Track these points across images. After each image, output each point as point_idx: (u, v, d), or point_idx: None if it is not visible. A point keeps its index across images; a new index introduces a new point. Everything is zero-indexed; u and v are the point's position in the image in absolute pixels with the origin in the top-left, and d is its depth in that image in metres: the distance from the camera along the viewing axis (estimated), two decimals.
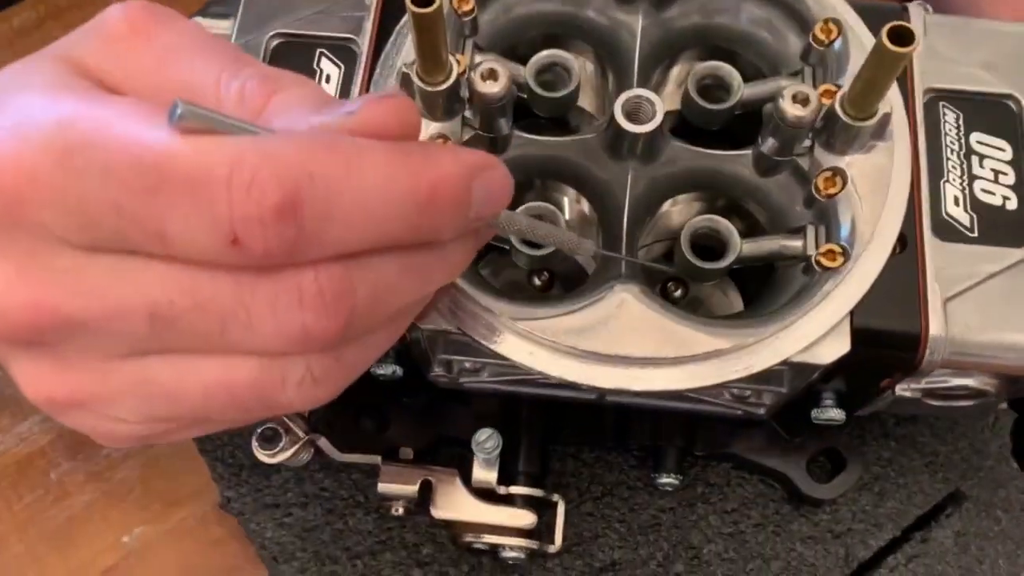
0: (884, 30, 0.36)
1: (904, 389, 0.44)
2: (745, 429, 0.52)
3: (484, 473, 0.49)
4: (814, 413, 0.47)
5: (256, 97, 0.31)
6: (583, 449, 0.55)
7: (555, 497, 0.51)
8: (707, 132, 0.46)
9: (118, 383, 0.32)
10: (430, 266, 0.33)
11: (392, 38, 0.45)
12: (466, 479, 0.50)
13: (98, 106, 0.29)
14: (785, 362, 0.40)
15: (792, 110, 0.40)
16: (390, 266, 0.31)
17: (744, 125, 0.46)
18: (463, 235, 0.33)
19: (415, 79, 0.41)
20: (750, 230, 0.46)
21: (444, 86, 0.41)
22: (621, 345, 0.39)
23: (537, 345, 0.39)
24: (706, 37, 0.49)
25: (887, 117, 0.41)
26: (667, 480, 0.51)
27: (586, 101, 0.51)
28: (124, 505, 0.60)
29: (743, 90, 0.45)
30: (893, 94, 0.44)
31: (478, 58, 0.44)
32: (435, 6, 0.36)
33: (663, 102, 0.43)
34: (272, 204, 0.27)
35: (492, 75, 0.41)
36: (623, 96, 0.42)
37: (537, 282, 0.50)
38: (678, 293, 0.49)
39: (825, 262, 0.41)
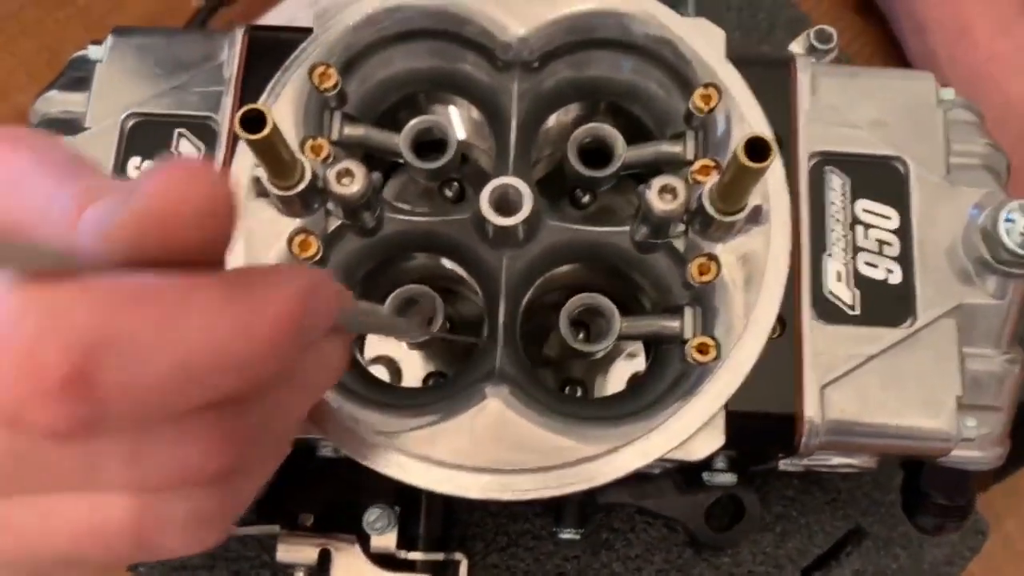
0: (741, 143, 0.34)
1: (787, 464, 0.44)
2: (644, 481, 0.52)
3: (382, 541, 0.49)
4: (706, 476, 0.47)
5: (70, 217, 0.26)
6: None
7: (458, 556, 0.51)
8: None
9: None
10: (313, 381, 0.31)
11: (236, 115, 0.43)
12: (366, 545, 0.49)
13: None
14: (657, 460, 0.39)
15: (659, 204, 0.39)
16: (265, 401, 0.28)
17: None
18: (336, 343, 0.31)
19: (267, 184, 0.39)
20: (630, 302, 0.45)
21: (297, 189, 0.39)
22: (491, 457, 0.38)
23: (407, 457, 0.39)
24: (587, 90, 0.47)
25: (758, 209, 0.40)
26: (569, 536, 0.51)
27: (483, 157, 0.49)
28: None
29: (625, 154, 0.43)
30: (775, 160, 0.42)
31: (341, 158, 0.42)
32: (266, 131, 0.34)
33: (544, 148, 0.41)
34: (55, 380, 0.23)
35: (348, 174, 0.39)
36: (489, 187, 0.41)
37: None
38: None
39: (698, 357, 0.40)
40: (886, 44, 0.73)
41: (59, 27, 0.74)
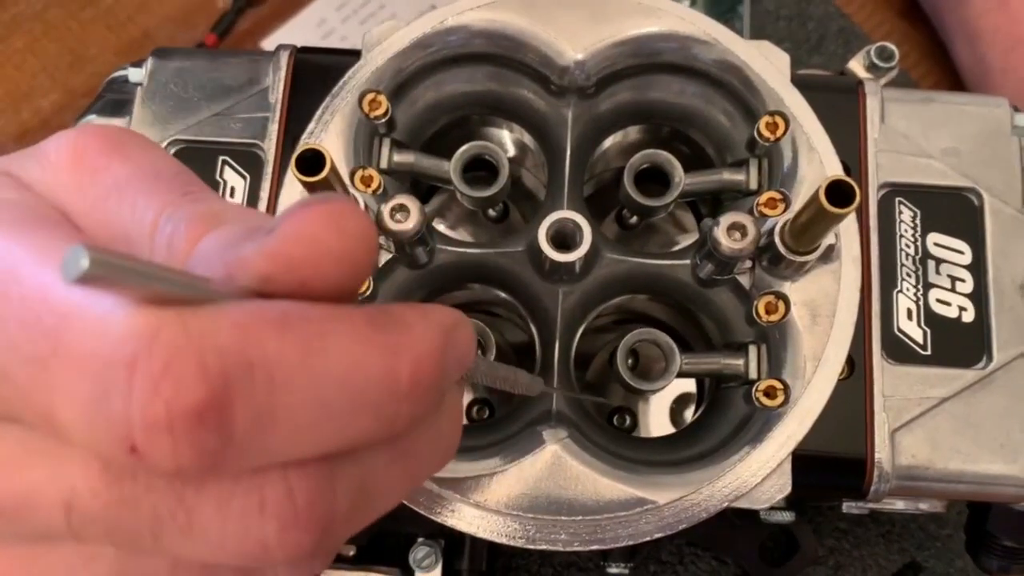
0: (823, 186, 0.32)
1: (851, 507, 0.43)
2: None
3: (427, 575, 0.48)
4: (763, 514, 0.46)
5: (182, 242, 0.24)
6: None
7: None
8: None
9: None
10: (426, 454, 0.27)
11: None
12: None
13: (19, 238, 0.23)
14: (724, 508, 0.38)
15: (728, 242, 0.37)
16: (378, 461, 0.25)
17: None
18: (454, 406, 0.28)
19: None
20: (688, 334, 0.44)
21: None
22: (550, 506, 0.37)
23: (463, 504, 0.37)
24: (644, 114, 0.45)
25: (831, 248, 0.38)
26: (617, 571, 0.50)
27: (529, 177, 0.47)
28: None
29: (684, 182, 0.42)
30: None
31: (389, 188, 0.41)
32: (324, 174, 0.32)
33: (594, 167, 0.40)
34: (189, 406, 0.20)
35: (402, 210, 0.37)
36: (547, 221, 0.39)
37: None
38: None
39: (765, 401, 0.38)
40: (933, 49, 0.71)
41: (83, 28, 0.73)
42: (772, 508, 0.46)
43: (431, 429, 0.26)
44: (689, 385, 0.51)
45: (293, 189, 0.40)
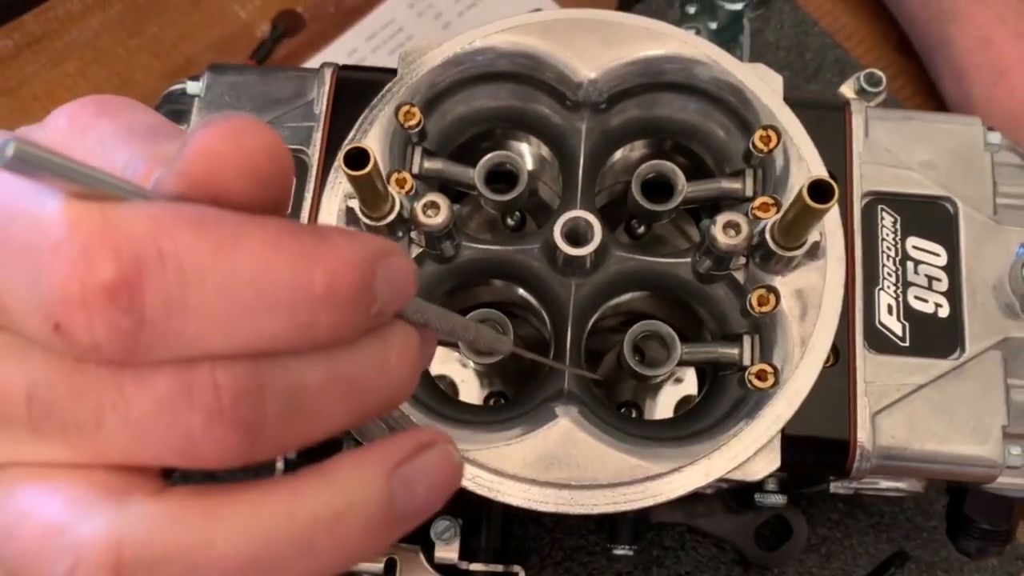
0: (806, 185, 0.37)
1: (837, 487, 0.46)
2: (696, 500, 0.54)
3: (446, 551, 0.52)
4: (757, 497, 0.50)
5: (139, 178, 0.26)
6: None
7: (515, 568, 0.54)
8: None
9: None
10: (366, 378, 0.27)
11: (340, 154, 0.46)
12: (429, 555, 0.52)
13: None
14: (717, 480, 0.42)
15: (724, 238, 0.41)
16: (311, 372, 0.26)
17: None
18: (404, 343, 0.28)
19: (359, 214, 0.42)
20: (689, 329, 0.48)
21: (387, 220, 0.42)
22: (562, 473, 0.41)
23: (483, 471, 0.41)
24: (652, 129, 0.49)
25: (815, 244, 0.42)
26: (622, 552, 0.54)
27: (545, 189, 0.52)
28: None
29: (687, 189, 0.46)
30: None
31: (420, 190, 0.45)
32: (368, 169, 0.37)
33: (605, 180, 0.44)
34: (100, 283, 0.22)
35: (433, 206, 0.42)
36: (562, 219, 0.43)
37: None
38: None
39: (757, 383, 0.42)
40: (926, 83, 0.76)
41: (130, 55, 0.78)
42: (765, 491, 0.49)
43: (372, 356, 0.27)
44: (691, 388, 0.55)
45: (335, 191, 0.45)
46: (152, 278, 0.23)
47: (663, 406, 0.54)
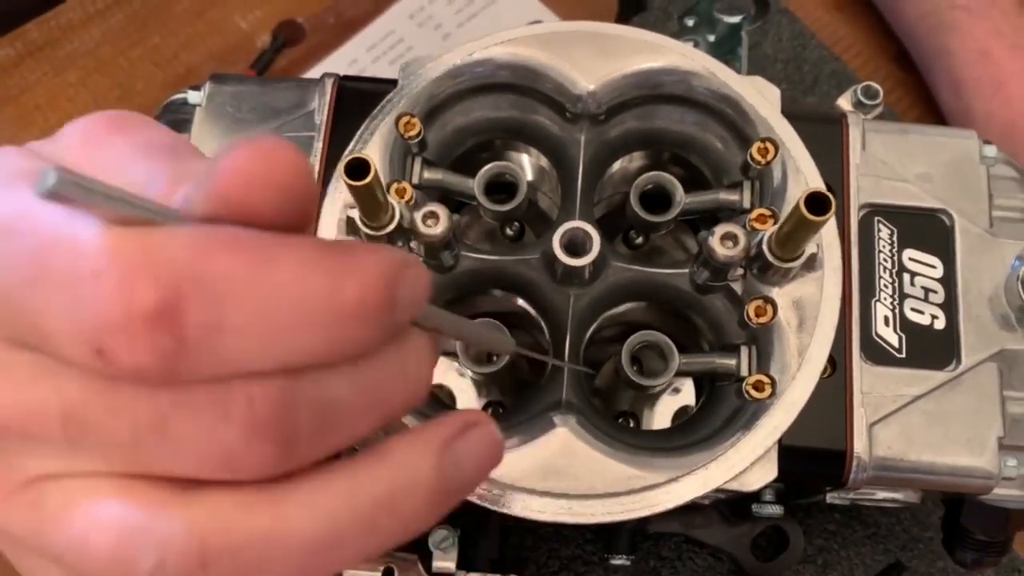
0: (803, 197, 0.37)
1: (834, 497, 0.47)
2: (693, 511, 0.55)
3: (444, 561, 0.52)
4: (754, 507, 0.50)
5: (162, 196, 0.27)
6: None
7: None
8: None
9: (16, 509, 0.28)
10: (389, 386, 0.29)
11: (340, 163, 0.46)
12: (427, 564, 0.52)
13: (15, 187, 0.26)
14: (715, 490, 0.42)
15: (721, 250, 0.41)
16: (340, 384, 0.27)
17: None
18: (420, 349, 0.30)
19: (359, 224, 0.42)
20: (687, 340, 0.48)
21: (387, 230, 0.42)
22: (559, 483, 0.41)
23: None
24: (650, 140, 0.50)
25: (812, 256, 0.42)
26: (620, 562, 0.54)
27: (544, 199, 0.52)
28: None
29: (685, 201, 0.46)
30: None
31: (420, 200, 0.46)
32: (368, 179, 0.37)
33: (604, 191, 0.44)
34: (143, 308, 0.23)
35: (433, 216, 0.42)
36: (560, 229, 0.44)
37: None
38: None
39: (754, 393, 0.42)
40: (924, 95, 0.76)
41: (131, 65, 0.79)
42: (762, 502, 0.49)
43: (394, 364, 0.28)
44: (689, 398, 0.55)
45: (335, 200, 0.45)
46: (192, 301, 0.23)
47: (661, 416, 0.54)
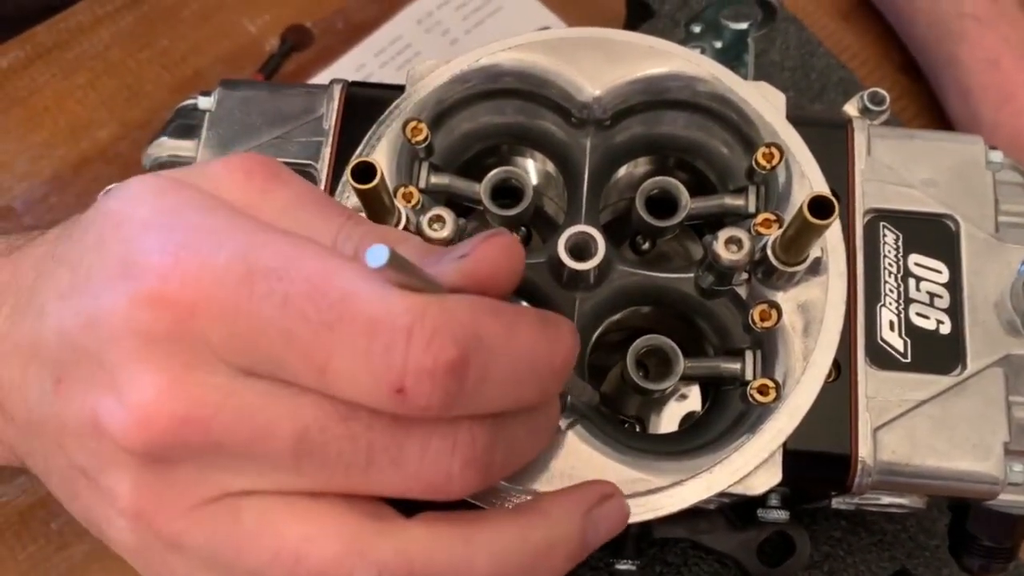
0: (806, 201, 0.37)
1: (839, 503, 0.47)
2: (699, 516, 0.55)
3: None
4: (760, 512, 0.50)
5: (344, 249, 0.33)
6: None
7: None
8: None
9: (206, 522, 0.31)
10: (545, 427, 0.36)
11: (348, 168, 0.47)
12: None
13: (277, 237, 0.31)
14: (719, 494, 0.42)
15: (725, 254, 0.42)
16: (520, 427, 0.33)
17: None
18: (557, 399, 0.37)
19: None
20: (691, 344, 0.48)
21: None
22: (564, 486, 0.41)
23: None
24: (656, 146, 0.50)
25: (817, 260, 0.43)
26: (625, 567, 0.54)
27: (550, 204, 0.52)
28: None
29: (690, 206, 0.47)
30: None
31: (427, 204, 0.46)
32: (375, 182, 0.37)
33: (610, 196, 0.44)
34: (446, 361, 0.28)
35: (439, 220, 0.42)
36: (566, 234, 0.44)
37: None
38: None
39: (759, 397, 0.42)
40: (930, 104, 0.76)
41: (140, 67, 0.79)
42: (768, 507, 0.49)
43: (551, 409, 0.36)
44: (695, 404, 0.55)
45: (342, 203, 0.45)
46: (474, 355, 0.29)
47: (667, 422, 0.54)
